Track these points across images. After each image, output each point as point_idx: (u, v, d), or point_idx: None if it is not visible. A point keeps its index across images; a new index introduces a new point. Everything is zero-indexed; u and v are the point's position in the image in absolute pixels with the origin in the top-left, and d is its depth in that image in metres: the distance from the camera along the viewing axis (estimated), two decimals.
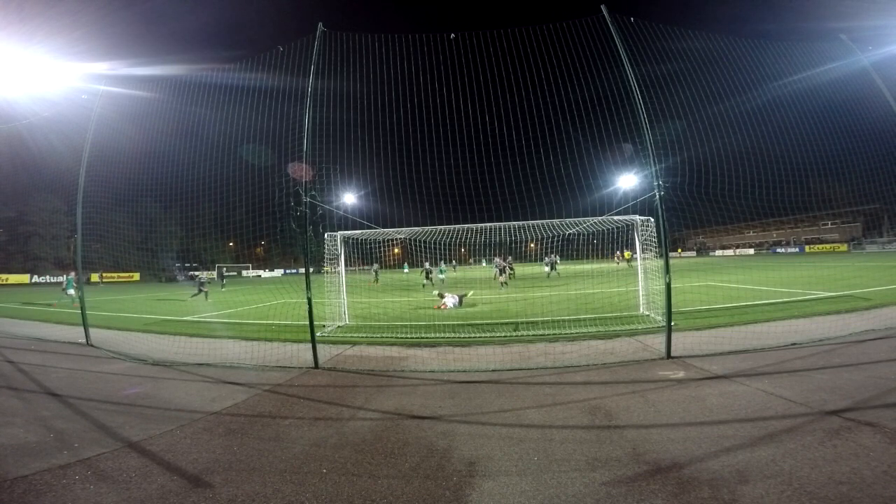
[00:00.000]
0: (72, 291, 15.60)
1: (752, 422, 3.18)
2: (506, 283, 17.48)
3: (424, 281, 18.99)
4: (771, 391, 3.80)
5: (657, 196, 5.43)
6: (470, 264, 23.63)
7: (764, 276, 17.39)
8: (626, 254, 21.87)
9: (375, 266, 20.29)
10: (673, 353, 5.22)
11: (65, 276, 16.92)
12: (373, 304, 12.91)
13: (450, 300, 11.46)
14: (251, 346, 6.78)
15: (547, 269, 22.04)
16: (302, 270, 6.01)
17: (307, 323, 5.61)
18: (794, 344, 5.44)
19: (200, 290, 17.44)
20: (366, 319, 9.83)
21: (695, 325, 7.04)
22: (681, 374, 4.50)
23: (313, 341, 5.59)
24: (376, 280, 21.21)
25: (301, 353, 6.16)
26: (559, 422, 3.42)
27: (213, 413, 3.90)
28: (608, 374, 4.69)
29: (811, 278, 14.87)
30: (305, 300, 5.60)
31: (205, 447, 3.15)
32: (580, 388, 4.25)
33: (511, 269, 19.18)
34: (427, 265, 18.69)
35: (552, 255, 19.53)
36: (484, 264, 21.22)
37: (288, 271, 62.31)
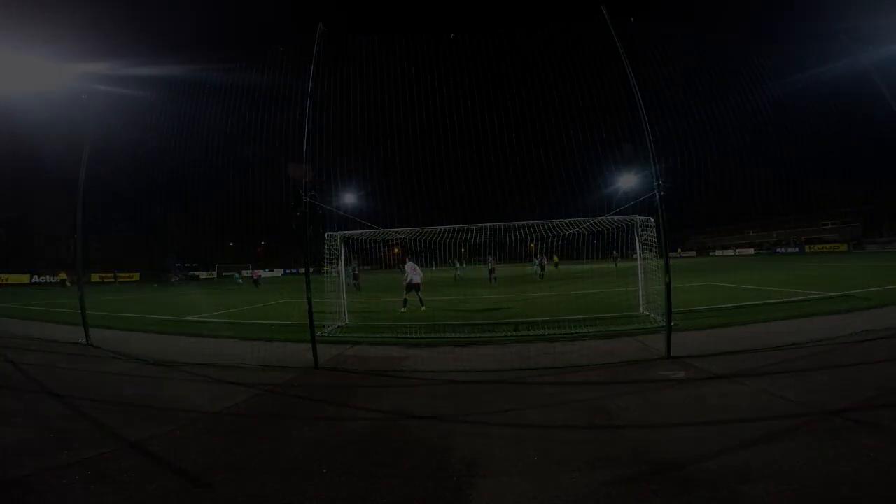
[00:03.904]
0: (241, 281, 26.09)
1: (753, 422, 3.18)
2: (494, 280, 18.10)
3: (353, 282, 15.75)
4: (771, 391, 3.79)
5: (657, 196, 5.43)
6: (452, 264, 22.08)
7: (764, 276, 17.38)
8: (556, 258, 21.43)
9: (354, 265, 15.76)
10: (673, 353, 5.21)
11: (236, 273, 30.46)
12: (372, 304, 12.91)
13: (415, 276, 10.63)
14: (251, 346, 6.78)
15: (536, 268, 21.82)
16: (302, 270, 6.00)
17: (307, 323, 5.62)
18: (794, 344, 5.44)
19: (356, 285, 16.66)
20: (366, 319, 9.84)
21: (695, 325, 7.03)
22: (681, 374, 4.49)
23: (313, 341, 5.59)
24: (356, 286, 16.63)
25: (301, 353, 6.16)
26: (559, 422, 3.42)
27: (213, 413, 3.90)
28: (608, 374, 4.69)
29: (811, 278, 14.86)
30: (305, 300, 5.60)
31: (205, 447, 3.15)
32: (580, 388, 4.25)
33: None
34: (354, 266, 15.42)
35: (539, 256, 18.98)
36: (457, 266, 20.33)
37: (288, 271, 62.45)
